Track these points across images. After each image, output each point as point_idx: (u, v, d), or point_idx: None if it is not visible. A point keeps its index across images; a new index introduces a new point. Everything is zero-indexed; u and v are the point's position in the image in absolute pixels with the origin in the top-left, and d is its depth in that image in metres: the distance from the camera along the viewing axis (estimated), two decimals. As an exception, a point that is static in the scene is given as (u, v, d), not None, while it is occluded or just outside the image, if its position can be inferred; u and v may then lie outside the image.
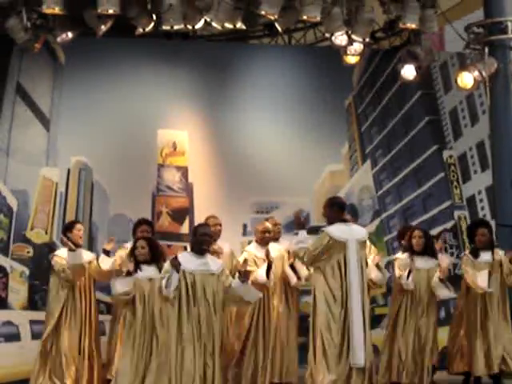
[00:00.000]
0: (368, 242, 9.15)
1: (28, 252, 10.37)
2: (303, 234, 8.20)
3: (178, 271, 7.59)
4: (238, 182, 11.28)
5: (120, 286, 8.22)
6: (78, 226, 9.07)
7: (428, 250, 9.23)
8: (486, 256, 9.35)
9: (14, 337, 9.44)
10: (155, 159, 11.25)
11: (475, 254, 9.40)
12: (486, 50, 10.45)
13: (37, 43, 9.42)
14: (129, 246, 8.60)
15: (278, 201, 11.48)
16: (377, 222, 11.78)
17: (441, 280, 9.01)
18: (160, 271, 8.06)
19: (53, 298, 8.84)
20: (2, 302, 10.25)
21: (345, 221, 8.21)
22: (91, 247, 10.30)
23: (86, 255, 9.00)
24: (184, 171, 11.34)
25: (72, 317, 8.78)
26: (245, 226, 11.32)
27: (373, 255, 8.90)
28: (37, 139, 10.84)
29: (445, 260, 9.29)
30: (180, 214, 11.20)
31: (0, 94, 10.66)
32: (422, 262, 9.17)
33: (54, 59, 10.81)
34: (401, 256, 9.30)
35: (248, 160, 11.38)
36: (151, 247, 8.32)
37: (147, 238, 8.53)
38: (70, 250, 8.68)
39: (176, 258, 7.68)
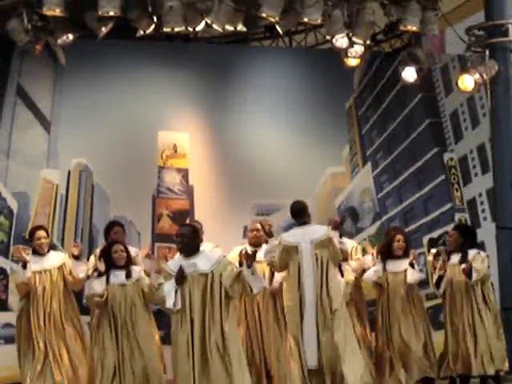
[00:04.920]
0: (353, 242, 9.31)
1: (28, 254, 10.35)
2: (272, 243, 8.34)
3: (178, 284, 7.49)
4: (238, 184, 11.27)
5: (97, 286, 8.27)
6: (37, 234, 8.92)
7: (406, 253, 9.41)
8: (455, 258, 9.41)
9: (13, 339, 9.39)
10: (156, 161, 11.24)
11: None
12: (487, 52, 10.45)
13: (37, 45, 9.42)
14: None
15: (278, 203, 11.46)
16: (377, 224, 11.78)
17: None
18: (128, 276, 8.29)
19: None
20: (3, 303, 10.26)
21: (305, 223, 8.28)
22: (91, 249, 10.30)
23: (58, 257, 8.98)
24: (184, 173, 11.34)
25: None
26: (245, 228, 11.29)
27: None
28: (37, 141, 10.84)
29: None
30: (180, 216, 11.18)
31: (1, 95, 10.65)
32: (399, 265, 9.25)
33: (54, 61, 10.80)
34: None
35: (249, 162, 11.37)
36: (127, 252, 8.47)
37: (122, 243, 8.62)
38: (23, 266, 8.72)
39: (182, 273, 7.51)
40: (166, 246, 10.76)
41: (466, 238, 9.48)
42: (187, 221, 10.93)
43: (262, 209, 11.47)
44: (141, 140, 11.06)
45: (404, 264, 9.30)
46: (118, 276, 8.36)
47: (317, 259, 8.11)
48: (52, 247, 9.29)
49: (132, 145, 10.98)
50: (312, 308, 8.00)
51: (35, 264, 8.82)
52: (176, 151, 11.35)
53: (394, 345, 9.17)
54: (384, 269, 9.29)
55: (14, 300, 9.95)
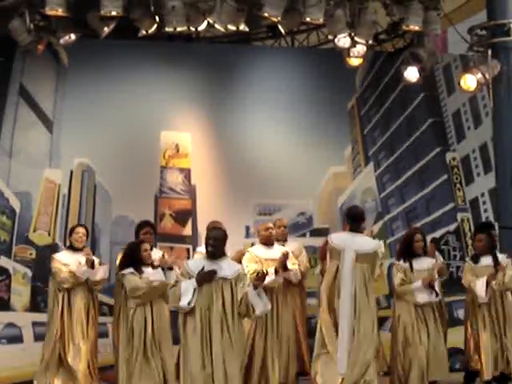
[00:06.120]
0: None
1: (31, 254, 10.37)
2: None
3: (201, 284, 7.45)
4: (240, 184, 11.27)
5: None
6: (77, 229, 9.08)
7: (425, 251, 9.36)
8: (485, 261, 9.38)
9: (16, 339, 9.44)
10: (158, 161, 11.25)
11: (475, 259, 9.47)
12: (489, 52, 10.44)
13: (40, 45, 9.43)
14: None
15: (280, 203, 11.47)
16: (380, 224, 11.77)
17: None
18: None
19: (52, 301, 8.86)
20: (5, 303, 10.25)
21: (355, 230, 8.15)
22: (94, 249, 10.31)
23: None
24: (187, 173, 11.34)
25: (69, 319, 8.78)
26: (247, 228, 11.32)
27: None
28: (40, 141, 10.85)
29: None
30: (183, 216, 11.19)
31: (3, 95, 10.67)
32: (422, 263, 9.22)
33: (56, 61, 10.78)
34: (399, 262, 9.32)
35: (251, 162, 11.37)
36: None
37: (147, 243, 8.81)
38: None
39: (213, 273, 7.48)
40: (168, 246, 10.77)
41: (494, 240, 9.54)
42: (189, 219, 10.97)
43: (263, 209, 11.47)
44: (143, 140, 11.06)
45: (426, 262, 9.26)
46: (147, 272, 8.56)
47: (356, 272, 7.93)
48: (54, 247, 9.32)
49: (134, 144, 10.99)
50: (348, 314, 7.86)
51: (71, 258, 8.87)
52: (178, 151, 11.36)
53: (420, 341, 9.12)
54: (411, 269, 9.20)
55: (16, 300, 9.98)
